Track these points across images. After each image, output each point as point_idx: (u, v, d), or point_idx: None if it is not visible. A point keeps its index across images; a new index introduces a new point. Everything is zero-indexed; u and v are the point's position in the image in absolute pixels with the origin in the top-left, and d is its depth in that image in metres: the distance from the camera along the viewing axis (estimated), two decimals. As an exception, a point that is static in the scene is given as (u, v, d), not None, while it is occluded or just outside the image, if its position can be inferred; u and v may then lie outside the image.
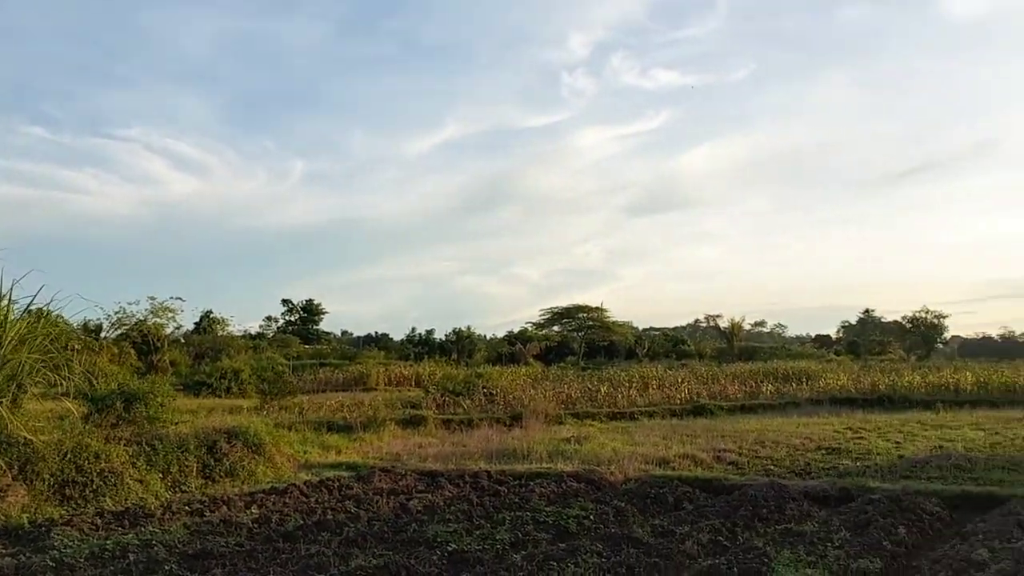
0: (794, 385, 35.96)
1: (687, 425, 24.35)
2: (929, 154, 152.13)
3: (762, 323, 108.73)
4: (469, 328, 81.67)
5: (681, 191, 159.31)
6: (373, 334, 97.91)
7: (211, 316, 67.34)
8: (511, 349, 75.19)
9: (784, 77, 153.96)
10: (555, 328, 75.70)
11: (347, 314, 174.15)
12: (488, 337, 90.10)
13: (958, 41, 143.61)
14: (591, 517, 10.98)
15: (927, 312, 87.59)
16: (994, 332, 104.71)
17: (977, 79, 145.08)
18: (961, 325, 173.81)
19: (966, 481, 13.52)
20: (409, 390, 41.10)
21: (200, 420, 18.38)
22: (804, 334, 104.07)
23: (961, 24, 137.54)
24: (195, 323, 66.04)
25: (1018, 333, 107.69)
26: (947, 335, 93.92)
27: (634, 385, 34.25)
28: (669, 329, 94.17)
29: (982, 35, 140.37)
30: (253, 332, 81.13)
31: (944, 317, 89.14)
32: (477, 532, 10.14)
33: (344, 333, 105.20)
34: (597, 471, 14.81)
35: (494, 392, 29.19)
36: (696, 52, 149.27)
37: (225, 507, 12.24)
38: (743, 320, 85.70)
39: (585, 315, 72.47)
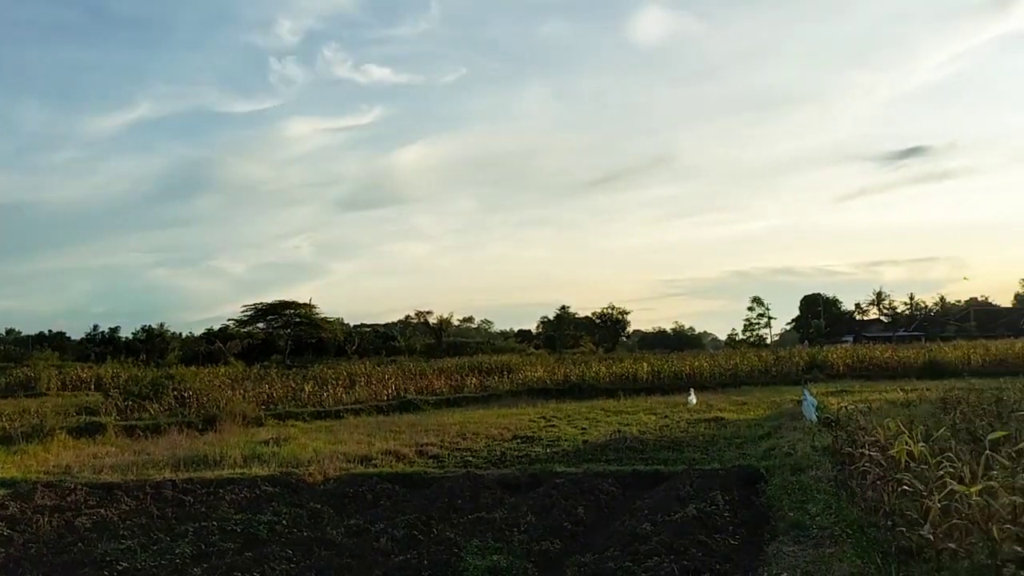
0: (496, 378, 37.56)
1: (393, 421, 24.43)
2: (616, 165, 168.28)
3: (470, 319, 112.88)
4: (162, 326, 75.77)
5: (393, 188, 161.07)
6: (46, 333, 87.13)
7: None
8: (210, 348, 70.83)
9: (492, 84, 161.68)
10: (260, 325, 72.40)
11: (15, 311, 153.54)
12: (184, 335, 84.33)
13: (641, 64, 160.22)
14: (284, 522, 10.52)
15: (613, 309, 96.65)
16: (668, 326, 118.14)
17: (657, 99, 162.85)
18: (642, 320, 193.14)
19: (638, 461, 14.87)
20: (88, 395, 37.01)
21: None
22: (509, 329, 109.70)
23: (644, 49, 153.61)
24: None
25: (687, 327, 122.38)
26: (630, 329, 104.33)
27: (341, 383, 33.78)
28: (380, 325, 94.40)
29: (661, 60, 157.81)
30: None
31: (627, 313, 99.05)
32: (155, 547, 9.27)
33: (10, 332, 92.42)
34: (295, 473, 14.27)
35: (187, 394, 27.17)
36: (409, 51, 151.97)
37: None
38: (452, 316, 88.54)
39: (292, 311, 70.20)
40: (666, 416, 22.82)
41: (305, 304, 71.41)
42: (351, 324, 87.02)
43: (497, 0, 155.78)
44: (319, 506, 11.42)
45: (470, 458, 16.24)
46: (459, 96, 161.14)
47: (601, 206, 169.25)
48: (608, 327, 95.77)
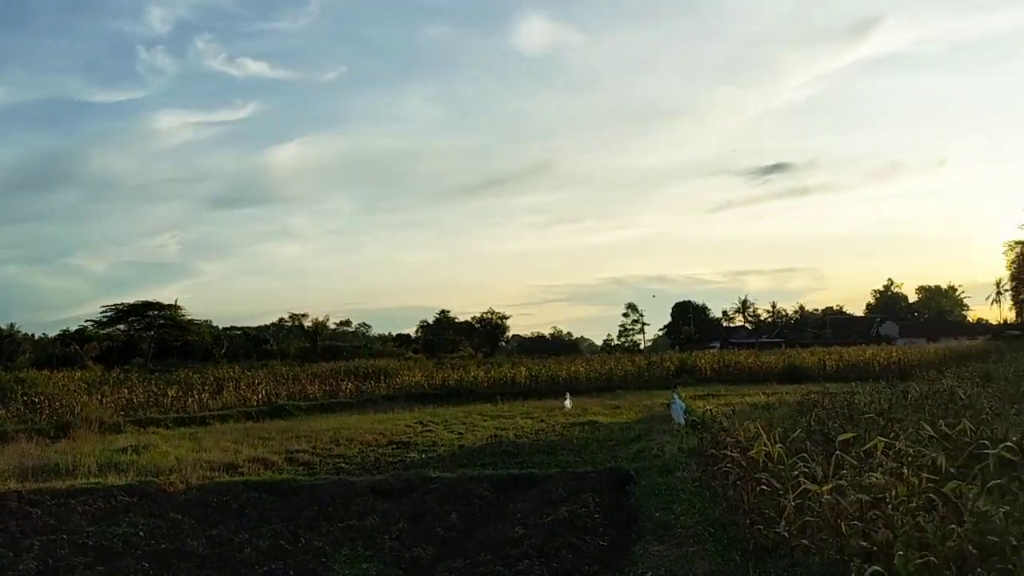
0: (373, 383, 37.02)
1: (262, 427, 23.62)
2: (498, 170, 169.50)
3: (347, 322, 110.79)
4: (13, 326, 70.65)
5: (267, 186, 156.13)
6: None
7: None
8: (65, 350, 66.53)
9: (373, 83, 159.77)
10: (120, 327, 68.52)
11: None
12: (37, 337, 79.01)
13: (524, 71, 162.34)
14: (141, 533, 9.95)
15: (493, 314, 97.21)
16: (547, 331, 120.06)
17: (539, 106, 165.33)
18: (521, 325, 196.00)
19: (513, 465, 14.95)
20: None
21: None
22: (387, 333, 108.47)
23: (527, 57, 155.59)
24: None
25: (565, 332, 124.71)
26: (509, 334, 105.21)
27: (208, 387, 32.41)
28: (252, 328, 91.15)
29: (544, 69, 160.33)
30: None
31: (507, 318, 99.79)
32: (-8, 566, 8.56)
33: None
34: (154, 482, 13.55)
35: (37, 400, 25.41)
36: (287, 47, 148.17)
37: None
38: (328, 319, 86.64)
39: (156, 313, 66.89)
40: (542, 420, 23.08)
41: (170, 305, 68.23)
42: (220, 327, 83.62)
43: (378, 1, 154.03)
44: (180, 516, 10.88)
45: (343, 465, 15.89)
46: (339, 94, 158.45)
47: (483, 210, 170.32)
48: (488, 332, 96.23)
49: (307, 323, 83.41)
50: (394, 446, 18.42)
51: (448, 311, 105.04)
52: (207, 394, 30.89)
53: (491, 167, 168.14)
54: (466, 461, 15.70)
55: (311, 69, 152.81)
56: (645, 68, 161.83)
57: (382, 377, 38.94)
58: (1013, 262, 79.47)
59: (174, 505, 11.80)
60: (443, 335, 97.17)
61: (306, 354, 72.48)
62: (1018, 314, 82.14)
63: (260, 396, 30.98)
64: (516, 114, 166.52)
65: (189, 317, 70.17)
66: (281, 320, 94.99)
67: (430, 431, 21.10)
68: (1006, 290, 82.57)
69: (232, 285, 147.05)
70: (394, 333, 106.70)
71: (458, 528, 10.02)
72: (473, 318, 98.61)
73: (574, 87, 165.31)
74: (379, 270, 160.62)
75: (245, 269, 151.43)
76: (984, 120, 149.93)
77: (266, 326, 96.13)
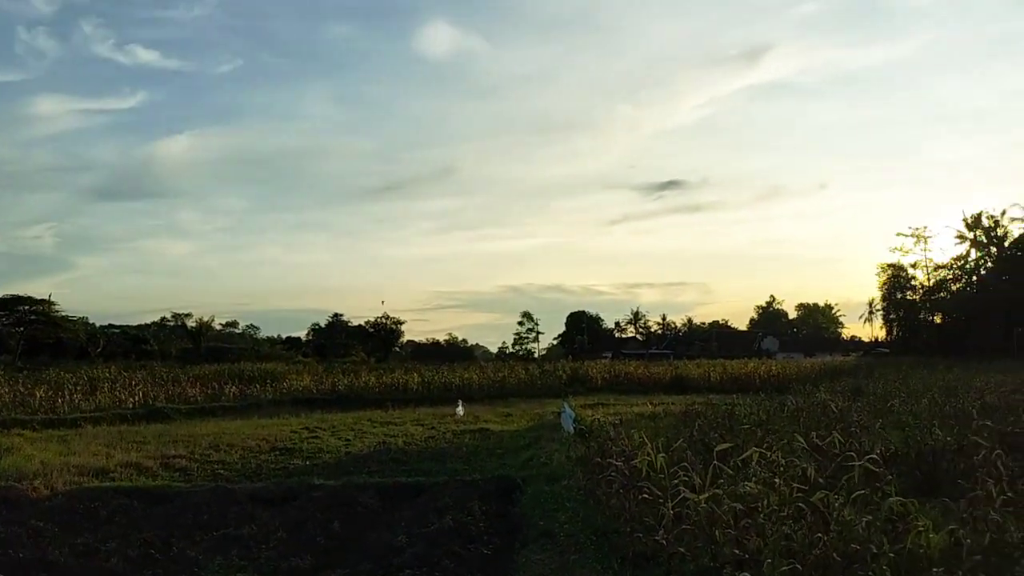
0: (259, 387, 35.88)
1: (138, 431, 22.49)
2: (398, 174, 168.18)
3: (234, 323, 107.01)
4: None
5: (154, 179, 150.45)
6: None
7: None
8: (-77, 346, 61.91)
9: (271, 79, 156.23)
10: (-14, 322, 64.42)
11: None
12: None
13: (428, 76, 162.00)
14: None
15: (387, 318, 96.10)
16: (442, 338, 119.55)
17: (442, 112, 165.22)
18: (416, 331, 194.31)
19: (401, 473, 14.74)
20: None
21: None
22: (276, 336, 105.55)
23: (432, 62, 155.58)
24: None
25: (460, 339, 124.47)
26: (403, 339, 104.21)
27: (80, 388, 30.73)
28: (132, 327, 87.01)
29: (448, 74, 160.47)
30: None
31: (402, 323, 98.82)
32: None
33: None
34: (16, 488, 12.70)
35: None
36: (181, 36, 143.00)
37: None
38: (213, 320, 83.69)
39: (27, 308, 63.06)
40: (433, 427, 22.89)
41: (43, 300, 64.52)
42: (97, 324, 79.57)
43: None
44: (42, 524, 10.23)
45: (221, 471, 15.31)
46: (234, 88, 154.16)
47: (381, 214, 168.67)
48: (381, 336, 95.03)
49: (190, 323, 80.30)
50: (277, 452, 17.90)
51: (341, 314, 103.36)
52: (79, 395, 29.24)
53: (391, 170, 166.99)
54: (352, 468, 15.39)
55: (205, 60, 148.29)
56: (548, 80, 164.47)
57: (268, 381, 37.81)
58: (884, 283, 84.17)
59: (37, 512, 11.09)
60: (335, 339, 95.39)
61: (188, 355, 69.79)
62: (888, 333, 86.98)
63: (137, 398, 29.51)
64: (418, 118, 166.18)
65: (63, 313, 66.66)
66: (163, 319, 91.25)
67: (316, 437, 20.61)
68: (878, 310, 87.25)
69: (112, 281, 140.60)
70: (284, 336, 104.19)
71: (340, 537, 9.79)
72: (367, 322, 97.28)
73: (477, 94, 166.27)
74: (270, 271, 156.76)
75: (127, 265, 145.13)
76: (862, 148, 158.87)
77: (147, 325, 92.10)
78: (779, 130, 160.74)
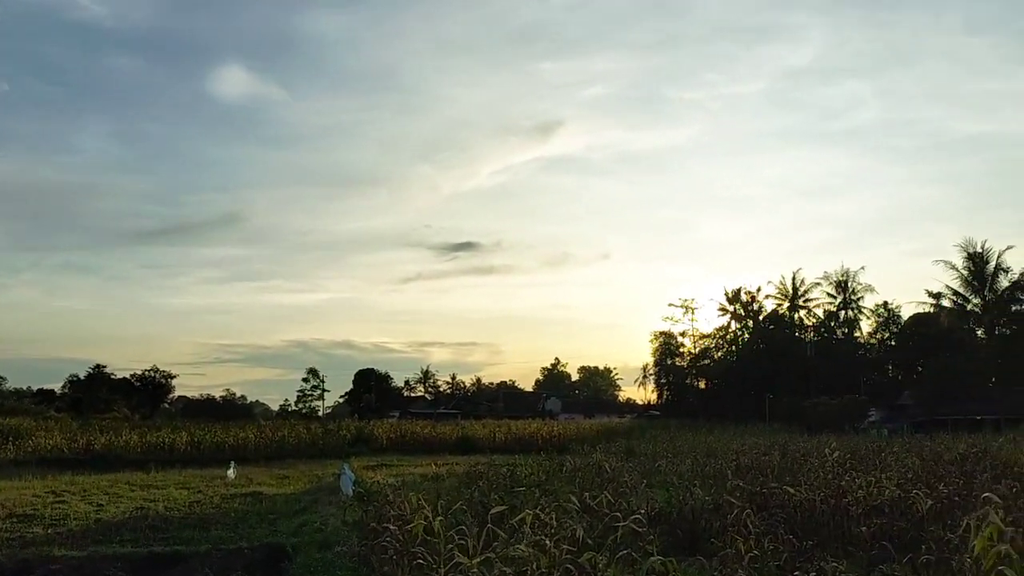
0: (-1, 445, 31.96)
1: None
2: (180, 217, 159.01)
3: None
4: None
5: None
6: None
7: None
8: None
9: (42, 107, 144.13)
10: None
11: None
12: None
13: (218, 118, 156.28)
14: None
15: (157, 371, 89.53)
16: (218, 393, 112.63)
17: (231, 156, 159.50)
18: (189, 386, 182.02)
19: (158, 542, 13.49)
20: None
21: None
22: (26, 388, 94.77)
23: (223, 104, 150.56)
24: None
25: (239, 395, 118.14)
26: (174, 395, 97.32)
27: None
28: None
29: (240, 119, 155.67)
30: None
31: (173, 377, 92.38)
32: None
33: None
34: None
35: None
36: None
37: None
38: (-51, 369, 73.89)
39: None
40: (200, 491, 21.38)
41: None
42: None
43: (56, 18, 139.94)
44: None
45: (-60, 543, 13.28)
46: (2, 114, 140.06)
47: (158, 259, 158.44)
48: (149, 391, 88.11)
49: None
50: (14, 520, 15.88)
51: (104, 366, 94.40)
52: None
53: (172, 214, 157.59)
54: (102, 537, 13.88)
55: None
56: (347, 134, 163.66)
57: (11, 438, 33.81)
58: (657, 350, 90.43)
59: None
60: (95, 393, 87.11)
61: (-85, 409, 60.94)
62: (659, 396, 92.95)
63: None
64: (206, 161, 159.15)
65: None
66: None
67: (63, 502, 18.53)
68: (651, 374, 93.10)
69: None
70: (35, 388, 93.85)
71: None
72: (133, 375, 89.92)
73: (272, 142, 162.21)
74: (25, 315, 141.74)
75: None
76: (641, 222, 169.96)
77: None
78: (568, 201, 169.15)
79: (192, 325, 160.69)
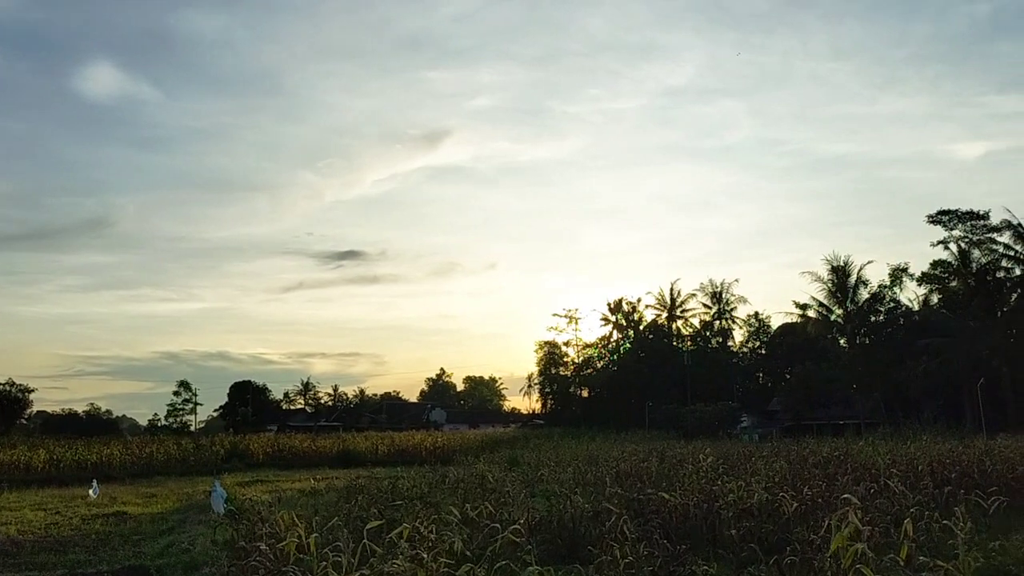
0: None
1: None
2: (40, 222, 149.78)
3: None
4: None
5: None
6: None
7: None
8: None
9: None
10: None
11: None
12: None
13: (85, 117, 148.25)
14: None
15: (12, 385, 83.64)
16: (82, 408, 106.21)
17: (98, 157, 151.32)
18: (49, 400, 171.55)
19: (7, 568, 12.53)
20: None
21: None
22: None
23: (89, 102, 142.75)
24: None
25: (104, 409, 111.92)
26: (32, 410, 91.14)
27: None
28: None
29: (108, 118, 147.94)
30: None
31: (31, 391, 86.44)
32: None
33: None
34: None
35: None
36: None
37: None
38: None
39: None
40: (59, 512, 20.09)
41: None
42: None
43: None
44: None
45: None
46: None
47: (16, 265, 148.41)
48: (4, 406, 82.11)
49: None
50: None
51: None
52: None
53: (32, 217, 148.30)
54: (-61, 567, 12.77)
55: None
56: (225, 138, 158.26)
57: None
58: (541, 359, 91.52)
59: None
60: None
61: None
62: (543, 405, 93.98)
63: None
64: (71, 163, 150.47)
65: None
66: None
67: None
68: (536, 383, 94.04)
69: None
70: None
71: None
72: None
73: (143, 144, 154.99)
74: None
75: None
76: (526, 233, 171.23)
77: None
78: (455, 210, 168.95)
79: (52, 335, 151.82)
